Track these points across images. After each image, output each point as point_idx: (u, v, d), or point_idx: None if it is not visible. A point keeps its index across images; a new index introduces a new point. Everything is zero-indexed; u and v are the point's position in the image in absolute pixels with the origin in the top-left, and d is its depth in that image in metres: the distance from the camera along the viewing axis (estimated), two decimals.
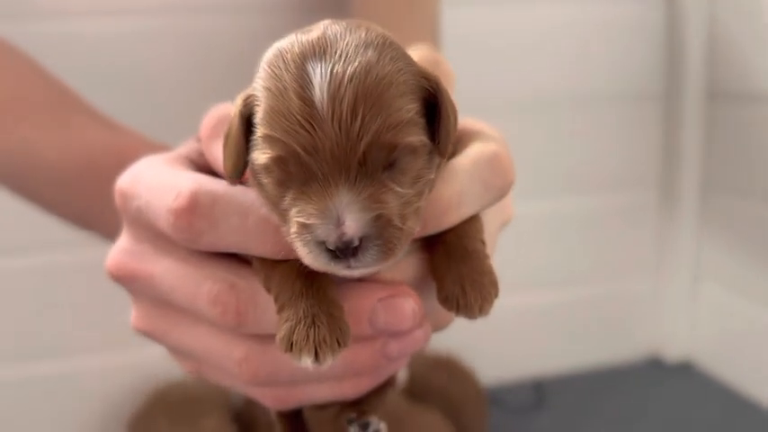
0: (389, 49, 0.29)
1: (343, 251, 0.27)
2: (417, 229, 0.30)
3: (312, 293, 0.31)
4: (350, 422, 0.37)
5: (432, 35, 0.63)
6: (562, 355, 0.94)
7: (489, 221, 0.36)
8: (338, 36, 0.29)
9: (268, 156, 0.28)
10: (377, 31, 0.30)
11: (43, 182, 0.51)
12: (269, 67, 0.29)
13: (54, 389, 0.79)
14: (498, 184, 0.34)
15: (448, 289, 0.32)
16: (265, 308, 0.32)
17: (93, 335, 0.79)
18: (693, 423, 0.81)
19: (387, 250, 0.28)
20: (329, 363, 0.30)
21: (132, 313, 0.38)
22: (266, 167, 0.29)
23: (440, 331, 0.36)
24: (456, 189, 0.32)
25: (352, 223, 0.27)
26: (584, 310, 0.94)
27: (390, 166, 0.28)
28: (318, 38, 0.29)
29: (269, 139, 0.28)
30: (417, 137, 0.29)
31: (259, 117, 0.29)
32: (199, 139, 0.39)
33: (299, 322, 0.30)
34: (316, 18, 0.32)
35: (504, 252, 0.35)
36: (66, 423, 0.80)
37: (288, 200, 0.29)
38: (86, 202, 0.51)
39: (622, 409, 0.85)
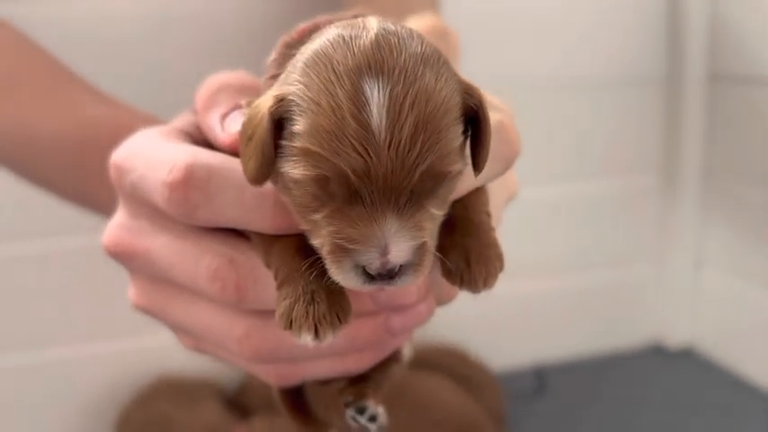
0: (443, 69, 0.29)
1: (383, 276, 0.28)
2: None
3: (311, 269, 0.30)
4: (347, 405, 0.36)
5: (432, 4, 0.63)
6: (564, 342, 0.94)
7: (495, 195, 0.35)
8: (393, 48, 0.28)
9: (309, 173, 0.27)
10: (429, 45, 0.29)
11: (40, 158, 0.51)
12: (317, 77, 0.28)
13: (45, 377, 0.79)
14: (505, 153, 0.34)
15: (452, 262, 0.32)
16: (265, 283, 0.32)
17: (83, 323, 0.79)
18: (696, 408, 0.81)
19: (421, 273, 0.28)
20: (329, 339, 0.29)
21: (130, 290, 0.38)
22: (302, 182, 0.28)
23: (444, 305, 0.36)
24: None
25: (400, 253, 0.27)
26: (585, 296, 0.94)
27: (433, 192, 0.28)
28: (373, 49, 0.27)
29: (313, 155, 0.27)
30: (462, 163, 0.29)
31: (301, 128, 0.27)
32: (195, 112, 0.38)
33: (298, 299, 0.29)
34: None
35: (505, 238, 0.35)
36: (57, 411, 0.80)
37: (322, 215, 0.28)
38: (84, 178, 0.50)
39: (624, 395, 0.84)
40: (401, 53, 0.28)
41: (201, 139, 0.36)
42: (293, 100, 0.28)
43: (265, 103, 0.28)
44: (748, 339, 0.87)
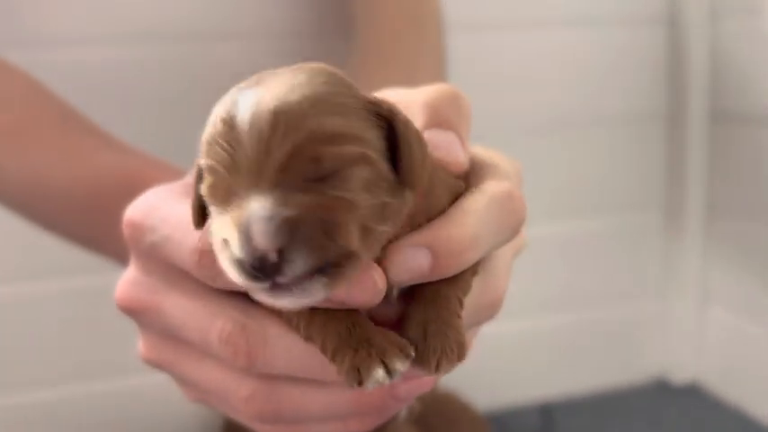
0: (324, 76, 0.28)
1: (262, 269, 0.25)
2: (414, 255, 0.30)
3: (359, 327, 0.30)
4: None
5: (439, 60, 0.64)
6: (568, 379, 0.93)
7: (502, 251, 0.35)
8: (278, 72, 0.28)
9: (203, 185, 0.28)
10: (320, 66, 0.29)
11: (50, 204, 0.51)
12: (216, 109, 0.29)
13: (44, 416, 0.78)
14: (511, 224, 0.33)
15: (409, 330, 0.31)
16: (275, 350, 0.32)
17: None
18: None
19: (315, 255, 0.25)
20: (399, 368, 0.28)
21: (140, 343, 0.38)
22: (206, 198, 0.28)
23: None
24: (470, 231, 0.31)
25: (260, 234, 0.24)
26: (589, 332, 0.94)
27: (322, 179, 0.26)
28: (259, 76, 0.29)
29: (204, 168, 0.28)
30: (356, 149, 0.27)
31: (200, 154, 0.28)
32: None
33: (357, 350, 0.29)
34: (317, 43, 0.32)
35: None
36: None
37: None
38: (94, 225, 0.51)
39: (631, 431, 0.84)
40: (284, 72, 0.28)
41: None
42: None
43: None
44: (753, 377, 0.86)
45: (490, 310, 0.35)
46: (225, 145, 0.26)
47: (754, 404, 0.86)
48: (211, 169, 0.27)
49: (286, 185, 0.26)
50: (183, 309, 0.34)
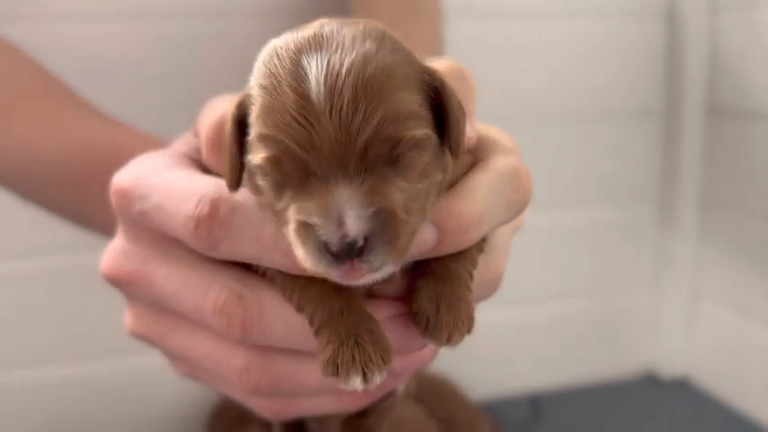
0: (388, 42, 0.28)
1: (348, 252, 0.25)
2: (421, 230, 0.29)
3: (350, 311, 0.30)
4: None
5: (436, 43, 0.63)
6: (559, 370, 0.94)
7: (502, 229, 0.35)
8: (334, 30, 0.28)
9: (262, 156, 0.27)
10: (374, 25, 0.29)
11: (39, 179, 0.51)
12: (263, 65, 0.28)
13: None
14: (518, 200, 0.33)
15: (421, 304, 0.31)
16: (272, 320, 0.32)
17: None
18: None
19: (394, 246, 0.26)
20: (377, 381, 0.29)
21: (127, 315, 0.38)
22: (261, 168, 0.27)
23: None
24: (477, 208, 0.31)
25: (355, 221, 0.25)
26: (582, 325, 0.94)
27: (395, 161, 0.27)
28: (315, 33, 0.28)
29: (263, 137, 0.27)
30: (422, 130, 0.27)
31: (253, 117, 0.28)
32: (196, 134, 0.38)
33: (342, 344, 0.29)
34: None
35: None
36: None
37: (285, 200, 0.27)
38: (84, 199, 0.50)
39: (619, 424, 0.84)
40: (341, 32, 0.28)
41: (204, 165, 0.36)
42: (249, 95, 0.28)
43: (230, 110, 0.29)
44: (742, 371, 0.87)
45: (491, 287, 0.35)
46: (299, 118, 0.26)
47: (743, 400, 0.86)
48: (276, 141, 0.26)
49: (369, 169, 0.26)
50: (174, 278, 0.33)
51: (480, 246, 0.33)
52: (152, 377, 0.77)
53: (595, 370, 0.95)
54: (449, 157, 0.30)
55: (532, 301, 0.92)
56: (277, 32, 0.30)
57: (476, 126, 0.35)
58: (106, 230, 0.49)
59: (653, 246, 0.95)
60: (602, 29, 0.88)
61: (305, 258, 0.27)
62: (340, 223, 0.25)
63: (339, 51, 0.27)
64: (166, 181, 0.33)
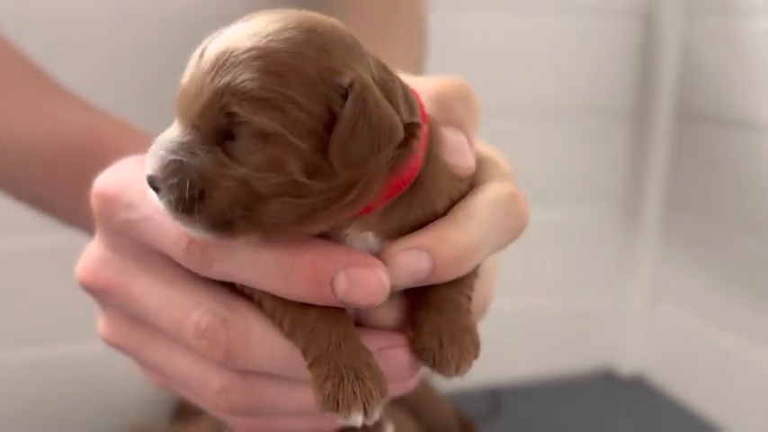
0: (305, 33, 0.27)
1: (151, 185, 0.28)
2: (414, 258, 0.29)
3: (348, 343, 0.29)
4: None
5: (419, 37, 0.62)
6: (519, 365, 0.94)
7: (493, 255, 0.34)
8: (268, 14, 0.28)
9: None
10: (301, 20, 0.27)
11: (10, 162, 0.48)
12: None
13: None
14: (515, 227, 0.32)
15: (424, 340, 0.30)
16: (257, 347, 0.30)
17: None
18: None
19: (168, 201, 0.27)
20: (377, 417, 0.28)
21: (100, 324, 0.36)
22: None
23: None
24: (474, 236, 0.30)
25: (156, 159, 0.27)
26: (542, 321, 0.95)
27: (230, 137, 0.26)
28: (242, 21, 0.28)
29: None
30: (273, 124, 0.26)
31: None
32: None
33: (343, 379, 0.28)
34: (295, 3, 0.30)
35: None
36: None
37: None
38: (55, 186, 0.47)
39: (576, 418, 0.86)
40: (263, 19, 0.28)
41: None
42: None
43: None
44: (696, 370, 0.89)
45: (480, 314, 0.34)
46: (189, 74, 0.28)
47: (696, 397, 0.88)
48: (179, 89, 0.28)
49: (203, 131, 0.27)
50: (156, 294, 0.32)
51: (476, 270, 0.32)
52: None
53: (554, 365, 0.96)
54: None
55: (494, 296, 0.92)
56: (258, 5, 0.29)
57: (475, 148, 0.34)
58: (74, 220, 0.47)
59: (615, 245, 0.96)
60: (576, 26, 0.88)
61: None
62: (150, 158, 0.28)
63: (242, 27, 0.27)
64: None
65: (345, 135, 0.26)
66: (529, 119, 0.88)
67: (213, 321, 0.30)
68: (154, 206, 0.30)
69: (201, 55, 0.27)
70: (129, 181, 0.32)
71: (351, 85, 0.26)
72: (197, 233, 0.28)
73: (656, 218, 0.93)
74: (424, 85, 0.33)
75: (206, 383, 0.32)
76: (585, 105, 0.91)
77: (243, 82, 0.25)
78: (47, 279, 0.73)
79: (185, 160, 0.27)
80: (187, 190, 0.27)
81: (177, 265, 0.31)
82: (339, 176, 0.27)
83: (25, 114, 0.47)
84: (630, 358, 0.97)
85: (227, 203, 0.27)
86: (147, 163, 0.28)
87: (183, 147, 0.27)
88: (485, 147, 0.36)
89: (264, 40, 0.26)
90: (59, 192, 0.47)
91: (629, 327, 0.97)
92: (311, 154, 0.26)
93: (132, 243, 0.32)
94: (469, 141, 0.32)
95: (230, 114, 0.26)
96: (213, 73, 0.26)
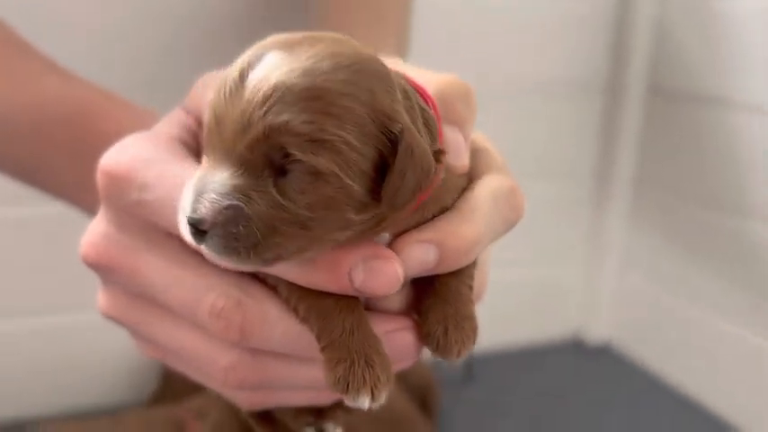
0: (355, 72, 0.27)
1: (195, 228, 0.27)
2: (422, 250, 0.30)
3: (360, 330, 0.30)
4: (308, 424, 0.37)
5: (406, 17, 0.62)
6: (492, 334, 0.96)
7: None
8: (315, 39, 0.28)
9: (205, 127, 0.28)
10: (362, 57, 0.28)
11: None
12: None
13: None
14: (513, 218, 0.34)
15: (430, 327, 0.32)
16: (272, 326, 0.31)
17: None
18: (610, 400, 0.86)
19: (224, 247, 0.27)
20: (383, 401, 0.30)
21: (101, 297, 0.36)
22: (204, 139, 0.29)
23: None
24: (479, 230, 0.32)
25: (206, 203, 0.26)
26: (514, 291, 0.97)
27: (282, 173, 0.27)
28: (298, 37, 0.28)
29: (210, 103, 0.28)
30: (330, 165, 0.26)
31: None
32: (187, 111, 0.36)
33: (353, 363, 0.30)
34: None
35: None
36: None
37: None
38: (40, 157, 0.46)
39: (546, 385, 0.89)
40: (314, 44, 0.27)
41: (198, 148, 0.34)
42: None
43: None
44: (662, 340, 0.93)
45: (476, 302, 0.36)
46: (227, 101, 0.27)
47: (662, 365, 0.92)
48: (211, 117, 0.27)
49: (253, 167, 0.26)
50: (165, 273, 0.32)
51: (476, 261, 0.34)
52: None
53: (526, 334, 0.99)
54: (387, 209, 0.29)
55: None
56: (267, 7, 0.29)
57: (470, 144, 0.35)
58: (59, 191, 0.47)
59: (586, 218, 0.98)
60: (549, 0, 0.88)
61: (180, 224, 0.28)
62: (197, 201, 0.27)
63: (291, 57, 0.27)
64: (174, 173, 0.31)
65: (397, 183, 0.27)
66: (500, 93, 0.89)
67: (228, 303, 0.31)
68: (169, 188, 0.30)
69: (242, 81, 0.27)
70: (139, 160, 0.32)
71: (401, 132, 0.27)
72: (243, 267, 0.28)
73: (626, 192, 0.95)
74: (427, 81, 0.34)
75: (213, 361, 0.33)
76: (557, 80, 0.92)
77: (302, 123, 0.26)
78: (27, 250, 0.73)
79: (244, 206, 0.26)
80: (250, 238, 0.27)
81: (188, 247, 0.31)
82: (383, 212, 0.28)
83: (6, 84, 0.47)
84: (599, 328, 1.00)
85: (287, 247, 0.27)
86: (190, 203, 0.27)
87: (236, 190, 0.26)
88: (477, 135, 0.37)
89: (320, 80, 0.26)
90: (49, 162, 0.46)
91: (597, 297, 0.99)
92: (362, 194, 0.27)
93: (141, 222, 0.32)
94: (466, 140, 0.34)
95: (287, 154, 0.26)
96: (266, 108, 0.26)
